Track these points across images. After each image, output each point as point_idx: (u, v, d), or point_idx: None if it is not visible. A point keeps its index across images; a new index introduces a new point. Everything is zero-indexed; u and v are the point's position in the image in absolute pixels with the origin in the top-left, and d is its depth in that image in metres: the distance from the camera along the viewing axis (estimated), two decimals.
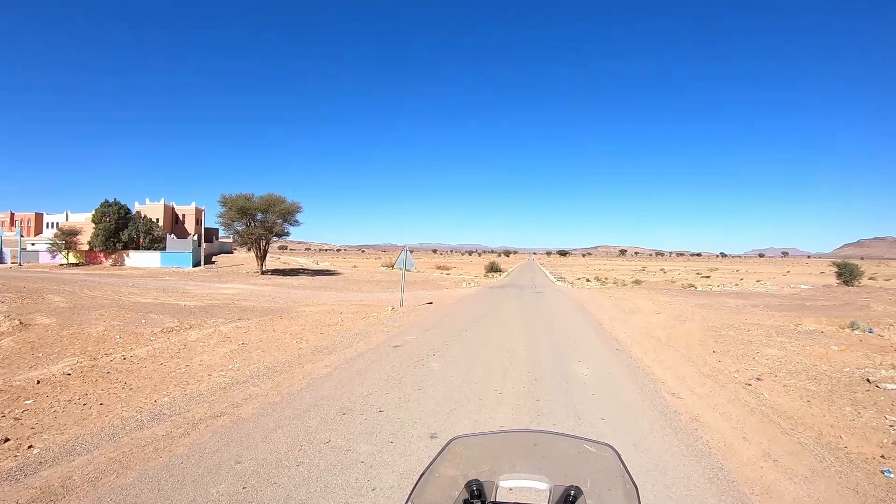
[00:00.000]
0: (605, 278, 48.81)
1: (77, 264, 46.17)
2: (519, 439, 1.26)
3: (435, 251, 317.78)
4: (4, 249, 48.93)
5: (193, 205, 59.17)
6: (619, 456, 1.08)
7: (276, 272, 41.63)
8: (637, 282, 40.27)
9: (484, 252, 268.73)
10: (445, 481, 1.05)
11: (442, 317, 13.81)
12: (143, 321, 12.15)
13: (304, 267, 51.19)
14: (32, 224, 56.95)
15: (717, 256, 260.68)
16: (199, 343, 9.47)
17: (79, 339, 9.87)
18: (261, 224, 40.33)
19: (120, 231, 46.45)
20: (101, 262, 47.00)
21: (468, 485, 1.02)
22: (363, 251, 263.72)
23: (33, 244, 49.24)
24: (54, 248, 45.87)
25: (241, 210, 39.25)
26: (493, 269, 58.71)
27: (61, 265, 44.95)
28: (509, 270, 62.71)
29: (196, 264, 46.13)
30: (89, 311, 13.40)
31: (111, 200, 47.32)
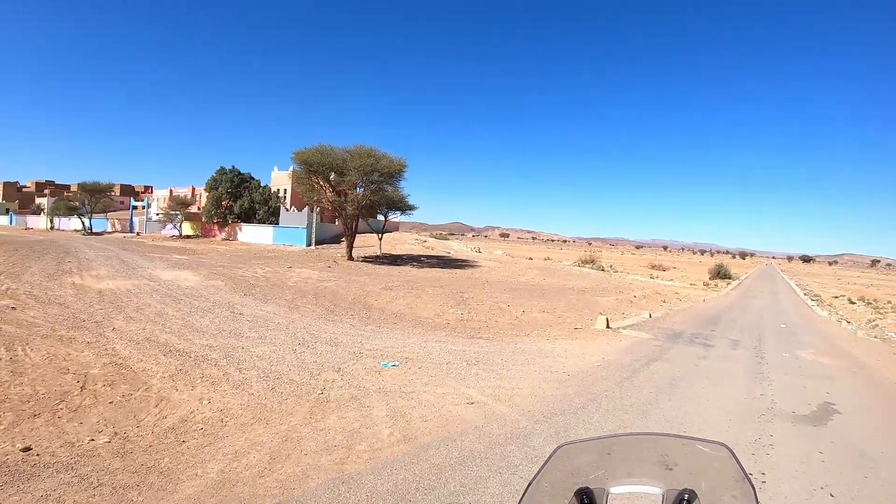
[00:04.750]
0: (876, 300, 31.18)
1: (190, 236, 40.94)
2: (628, 443, 1.15)
3: (665, 248, 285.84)
4: (135, 220, 47.35)
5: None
6: (734, 456, 1.00)
7: (377, 259, 28.77)
8: None
9: (717, 252, 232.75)
10: (555, 490, 0.98)
11: None
12: None
13: (440, 255, 37.38)
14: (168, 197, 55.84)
15: None
16: None
17: None
18: (361, 187, 26.34)
19: (233, 201, 39.70)
20: (214, 235, 41.19)
21: (578, 493, 0.96)
22: (590, 244, 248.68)
23: (158, 215, 46.22)
24: (165, 219, 41.54)
25: (308, 167, 24.92)
26: (721, 274, 42.76)
27: (173, 237, 39.97)
28: (741, 279, 45.00)
29: (309, 243, 36.82)
30: None
31: (228, 168, 41.00)
